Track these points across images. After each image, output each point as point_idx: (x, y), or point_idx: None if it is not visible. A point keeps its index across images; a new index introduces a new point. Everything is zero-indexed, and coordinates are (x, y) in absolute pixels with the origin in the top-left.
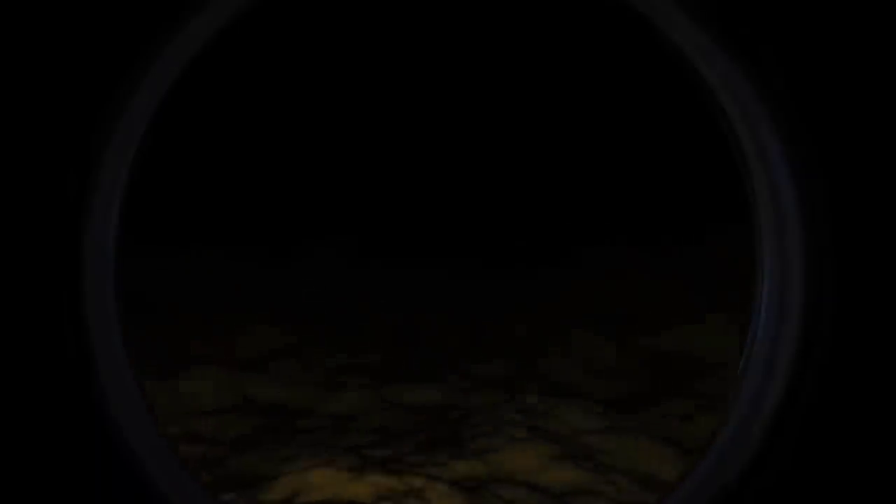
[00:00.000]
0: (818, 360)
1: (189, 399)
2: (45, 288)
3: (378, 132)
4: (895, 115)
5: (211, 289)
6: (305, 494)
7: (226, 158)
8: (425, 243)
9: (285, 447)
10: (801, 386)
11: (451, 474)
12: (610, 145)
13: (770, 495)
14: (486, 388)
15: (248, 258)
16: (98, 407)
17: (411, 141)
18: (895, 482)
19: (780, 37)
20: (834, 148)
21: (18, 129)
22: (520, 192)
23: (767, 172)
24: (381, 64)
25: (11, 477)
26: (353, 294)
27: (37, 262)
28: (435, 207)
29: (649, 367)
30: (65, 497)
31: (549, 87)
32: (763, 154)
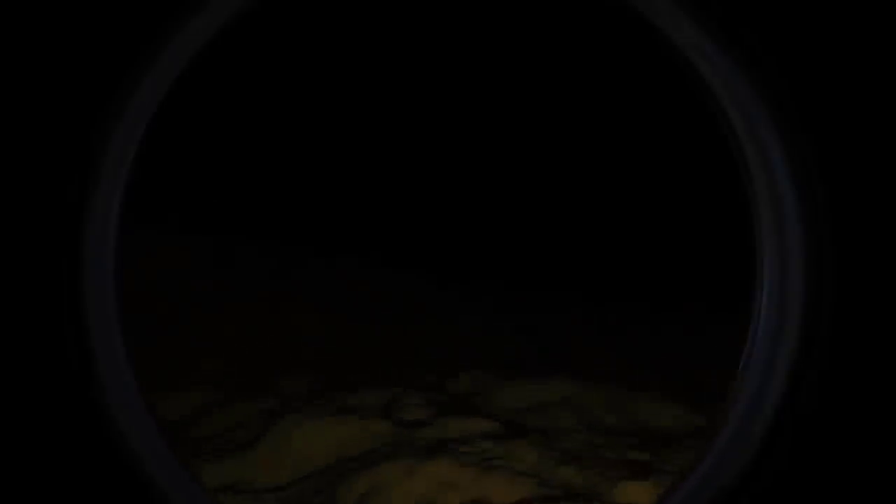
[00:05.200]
0: (818, 360)
1: None
2: (45, 288)
3: (383, 140)
4: (895, 115)
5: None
6: None
7: (222, 160)
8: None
9: None
10: (801, 386)
11: None
12: (607, 144)
13: (770, 496)
14: None
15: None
16: (98, 407)
17: (420, 150)
18: (895, 482)
19: (780, 37)
20: (834, 148)
21: (18, 128)
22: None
23: (767, 172)
24: (385, 68)
25: (11, 477)
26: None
27: (37, 261)
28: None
29: None
30: (64, 497)
31: (547, 87)
32: (763, 154)
